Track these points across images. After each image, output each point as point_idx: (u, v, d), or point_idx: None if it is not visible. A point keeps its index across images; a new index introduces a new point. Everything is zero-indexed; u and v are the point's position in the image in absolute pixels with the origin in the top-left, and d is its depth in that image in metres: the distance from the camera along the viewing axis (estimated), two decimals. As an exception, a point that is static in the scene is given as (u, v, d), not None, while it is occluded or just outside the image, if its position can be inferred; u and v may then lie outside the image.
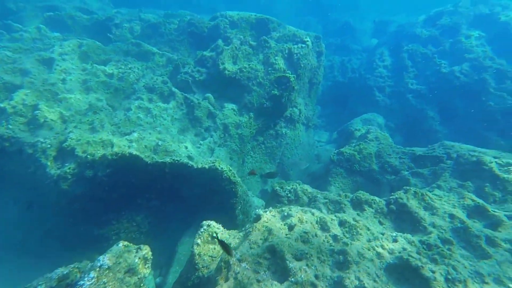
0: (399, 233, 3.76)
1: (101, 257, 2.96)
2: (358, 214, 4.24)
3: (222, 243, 2.95)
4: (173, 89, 7.46)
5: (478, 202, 4.12)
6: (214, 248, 3.73)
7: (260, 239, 3.58)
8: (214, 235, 3.53)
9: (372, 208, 4.28)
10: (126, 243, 3.38)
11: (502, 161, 4.79)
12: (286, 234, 3.62)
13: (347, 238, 3.63)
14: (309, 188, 4.93)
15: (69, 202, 4.86)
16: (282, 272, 3.18)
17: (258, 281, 3.03)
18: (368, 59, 13.17)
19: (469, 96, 9.31)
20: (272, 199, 5.07)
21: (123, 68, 7.45)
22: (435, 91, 10.10)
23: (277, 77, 7.91)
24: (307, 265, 3.20)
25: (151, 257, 3.55)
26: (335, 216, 3.99)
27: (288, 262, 3.18)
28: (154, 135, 6.48)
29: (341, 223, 3.87)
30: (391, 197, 4.32)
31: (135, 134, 6.15)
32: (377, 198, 4.38)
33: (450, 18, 11.29)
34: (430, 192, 4.61)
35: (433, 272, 3.09)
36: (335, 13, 20.85)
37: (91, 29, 9.60)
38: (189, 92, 7.75)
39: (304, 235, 3.56)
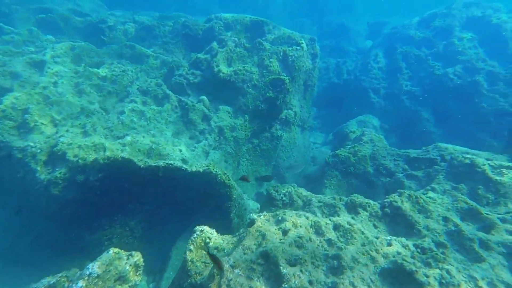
0: (394, 237, 3.74)
1: (90, 265, 2.89)
2: (352, 218, 4.22)
3: (213, 257, 2.91)
4: (168, 91, 7.40)
5: (472, 205, 4.14)
6: (209, 248, 3.67)
7: (254, 244, 3.54)
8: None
9: (367, 212, 4.26)
10: (116, 250, 3.31)
11: (495, 163, 4.82)
12: (280, 239, 3.59)
13: (341, 242, 3.60)
14: (304, 191, 4.90)
15: (60, 207, 4.77)
16: (275, 278, 3.14)
17: (251, 288, 2.99)
18: (363, 60, 13.24)
19: (463, 97, 9.39)
20: (267, 203, 5.04)
21: (117, 71, 7.37)
22: (429, 92, 10.18)
23: (272, 79, 7.90)
24: (301, 270, 3.16)
25: (143, 264, 3.48)
26: (330, 220, 3.97)
27: (281, 268, 3.14)
28: (148, 138, 6.41)
29: (336, 227, 3.85)
30: (385, 200, 4.31)
31: (129, 138, 6.08)
32: (371, 201, 4.36)
33: (443, 20, 11.42)
34: (424, 194, 4.61)
35: (427, 276, 3.08)
36: (330, 15, 20.97)
37: (84, 32, 9.50)
38: (183, 95, 7.70)
39: (298, 240, 3.52)
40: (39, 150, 4.88)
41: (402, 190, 4.43)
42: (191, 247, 3.58)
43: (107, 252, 3.21)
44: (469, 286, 3.07)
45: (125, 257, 3.28)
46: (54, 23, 9.35)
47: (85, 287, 2.68)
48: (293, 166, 8.90)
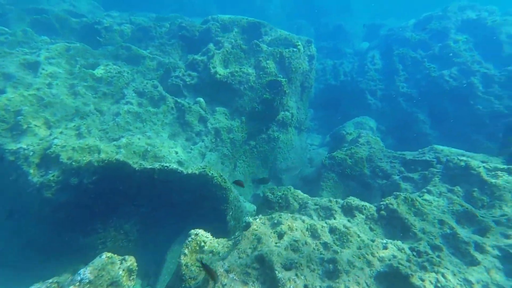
0: (389, 240, 3.73)
1: (81, 271, 2.84)
2: (349, 221, 4.20)
3: (206, 268, 2.88)
4: (164, 93, 7.36)
5: (467, 208, 4.14)
6: (202, 258, 3.63)
7: (249, 248, 3.51)
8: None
9: (363, 214, 4.25)
10: (109, 254, 3.26)
11: (490, 166, 4.84)
12: (276, 243, 3.56)
13: (337, 245, 3.58)
14: (300, 194, 4.88)
15: (53, 210, 4.70)
16: (271, 283, 3.11)
17: (246, 292, 2.96)
18: (359, 62, 13.29)
19: (458, 99, 9.45)
20: (263, 205, 5.00)
21: (112, 72, 7.31)
22: (425, 94, 10.23)
23: (269, 81, 7.89)
24: (296, 275, 3.14)
25: (136, 268, 3.43)
26: (326, 223, 3.95)
27: (277, 272, 3.11)
28: (143, 140, 6.36)
29: (332, 230, 3.83)
30: (381, 203, 4.30)
31: (124, 140, 6.02)
32: (367, 204, 4.35)
33: (439, 22, 11.50)
34: (420, 197, 4.61)
35: (423, 280, 3.07)
36: (327, 16, 21.04)
37: (80, 33, 9.43)
38: (180, 96, 7.66)
39: (294, 243, 3.50)
40: (31, 153, 4.81)
41: (398, 193, 4.43)
42: (186, 251, 3.54)
43: (100, 257, 3.15)
44: (464, 289, 3.06)
45: (118, 262, 3.23)
46: (49, 24, 9.27)
47: (77, 293, 2.63)
48: (290, 168, 8.89)
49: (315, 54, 9.89)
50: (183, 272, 3.37)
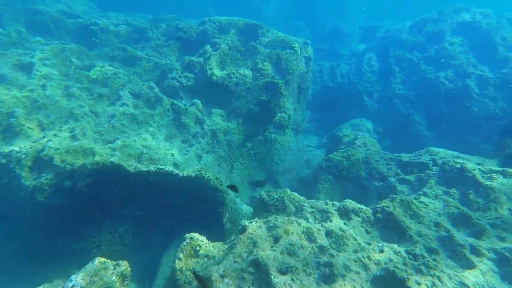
0: (386, 243, 3.72)
1: (73, 277, 2.79)
2: (345, 223, 4.19)
3: (199, 278, 2.84)
4: (160, 94, 7.31)
5: (463, 210, 4.14)
6: (197, 262, 3.59)
7: (245, 252, 3.48)
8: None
9: (359, 217, 4.24)
10: (102, 259, 3.21)
11: (485, 168, 4.86)
12: (272, 247, 3.53)
13: (333, 249, 3.56)
14: (296, 196, 4.86)
15: (46, 214, 4.63)
16: (266, 287, 3.08)
17: (241, 298, 2.92)
18: (356, 64, 13.34)
19: (454, 101, 9.51)
20: (259, 208, 4.97)
21: (108, 74, 7.25)
22: (421, 96, 10.28)
23: (266, 82, 7.88)
24: (292, 279, 3.11)
25: (130, 274, 3.38)
26: (322, 226, 3.93)
27: (272, 276, 3.08)
28: (139, 142, 6.30)
29: (328, 233, 3.81)
30: (377, 205, 4.29)
31: (119, 142, 5.96)
32: (364, 207, 4.34)
33: (434, 25, 11.58)
34: (416, 199, 4.61)
35: (419, 284, 3.06)
36: (324, 18, 21.13)
37: (76, 34, 9.36)
38: (176, 98, 7.61)
39: (290, 247, 3.47)
40: (24, 155, 4.73)
41: (394, 195, 4.42)
42: (180, 255, 3.50)
43: (92, 262, 3.10)
44: (460, 293, 3.05)
45: (112, 267, 3.18)
46: (44, 24, 9.19)
47: (68, 300, 2.58)
48: (287, 169, 8.87)
49: (312, 55, 9.90)
50: (178, 277, 3.32)
